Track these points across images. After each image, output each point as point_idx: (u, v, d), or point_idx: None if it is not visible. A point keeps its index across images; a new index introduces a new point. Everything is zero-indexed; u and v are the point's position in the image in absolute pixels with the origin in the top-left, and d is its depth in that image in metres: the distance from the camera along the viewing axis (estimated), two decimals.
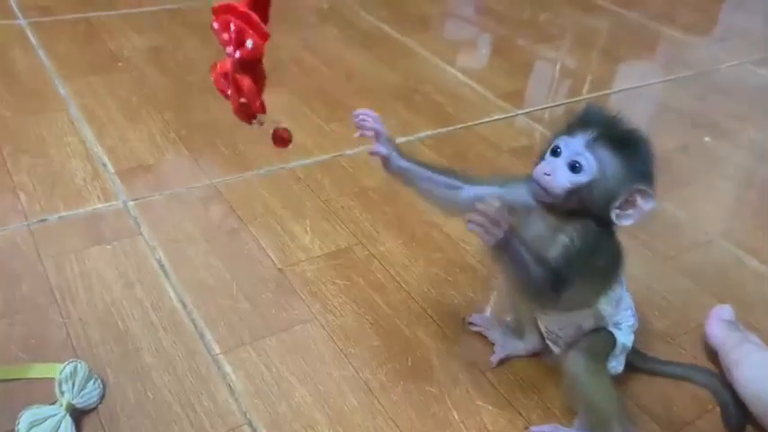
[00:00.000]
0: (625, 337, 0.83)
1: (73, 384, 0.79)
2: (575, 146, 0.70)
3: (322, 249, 1.09)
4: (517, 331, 0.94)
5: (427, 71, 1.76)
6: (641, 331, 0.88)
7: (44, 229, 1.07)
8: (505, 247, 0.68)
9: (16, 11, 1.82)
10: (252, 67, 0.56)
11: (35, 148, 1.27)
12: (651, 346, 0.96)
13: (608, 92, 1.82)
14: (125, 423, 0.79)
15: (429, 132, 1.47)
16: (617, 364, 0.84)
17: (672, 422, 0.87)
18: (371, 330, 0.95)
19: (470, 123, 1.53)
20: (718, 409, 0.88)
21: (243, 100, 0.57)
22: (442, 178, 0.80)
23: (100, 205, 1.14)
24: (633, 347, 0.85)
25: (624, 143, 0.70)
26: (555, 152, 0.71)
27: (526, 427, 0.83)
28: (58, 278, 0.98)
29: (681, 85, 1.91)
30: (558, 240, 0.71)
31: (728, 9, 2.72)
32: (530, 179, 0.72)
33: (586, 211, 0.71)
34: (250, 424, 0.81)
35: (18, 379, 0.82)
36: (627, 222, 0.71)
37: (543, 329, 0.86)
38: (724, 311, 0.97)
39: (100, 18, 1.83)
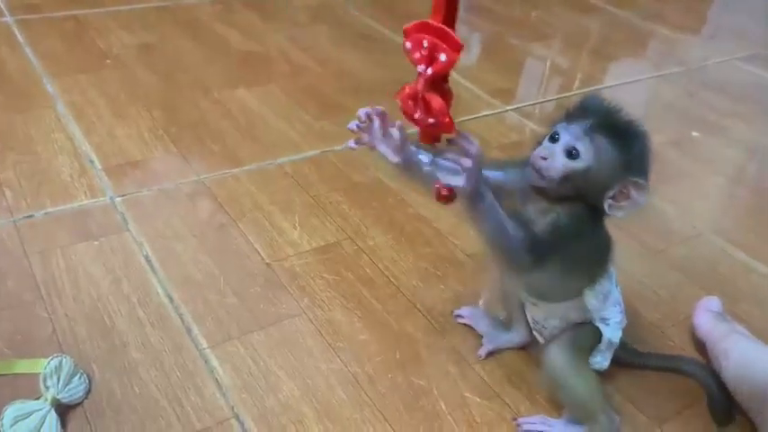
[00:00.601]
0: (612, 333, 0.82)
1: (58, 379, 0.79)
2: (573, 132, 0.70)
3: (310, 244, 1.09)
4: (505, 324, 0.94)
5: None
6: (630, 323, 0.88)
7: (30, 225, 1.07)
8: (477, 196, 0.67)
9: (3, 8, 1.81)
10: (440, 85, 0.56)
11: (21, 145, 1.26)
12: (640, 338, 0.96)
13: (598, 87, 1.82)
14: (111, 418, 0.79)
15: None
16: (602, 360, 0.83)
17: (659, 413, 0.87)
18: (360, 324, 0.95)
19: (460, 119, 1.53)
20: (705, 400, 0.89)
21: (431, 120, 0.57)
22: (446, 163, 0.79)
23: (87, 201, 1.13)
24: (621, 342, 0.85)
25: (623, 133, 0.70)
26: (553, 138, 0.71)
27: (514, 419, 0.83)
28: (44, 274, 0.97)
29: (670, 81, 1.92)
30: (547, 218, 0.71)
31: (717, 8, 2.74)
32: (526, 163, 0.72)
33: (579, 199, 0.71)
34: (237, 418, 0.80)
35: (2, 375, 0.82)
36: (619, 214, 0.71)
37: (530, 320, 0.86)
38: (711, 303, 0.97)
39: (88, 15, 1.83)
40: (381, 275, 1.04)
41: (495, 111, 1.61)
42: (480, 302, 1.00)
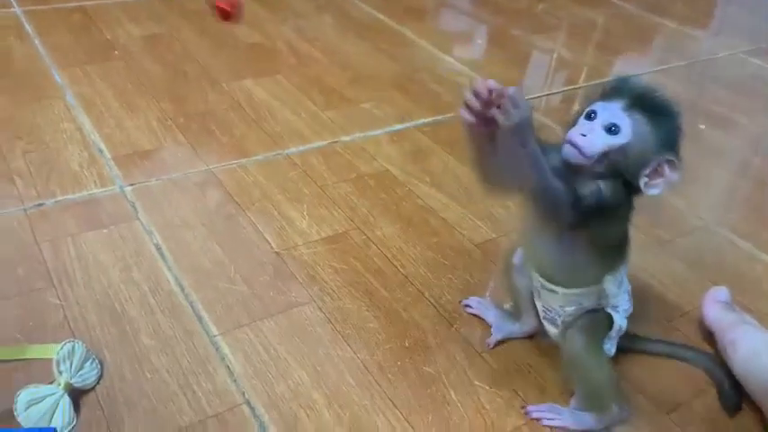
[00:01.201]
0: (621, 320, 0.83)
1: (71, 364, 0.79)
2: (612, 109, 0.70)
3: (319, 234, 1.10)
4: (514, 314, 0.94)
5: (423, 60, 1.76)
6: (636, 313, 0.88)
7: (40, 214, 1.07)
8: (523, 137, 0.64)
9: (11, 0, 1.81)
10: None
11: (31, 135, 1.27)
12: (646, 327, 0.96)
13: (604, 80, 1.82)
14: (123, 403, 0.79)
15: (426, 120, 1.47)
16: (611, 347, 0.84)
17: (667, 402, 0.87)
18: (369, 313, 0.96)
19: None
20: (713, 389, 0.89)
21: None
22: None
23: (96, 190, 1.14)
24: (626, 331, 0.86)
25: (659, 111, 0.70)
26: (589, 116, 0.71)
27: (523, 407, 0.84)
28: (55, 262, 0.98)
29: (676, 74, 1.92)
30: (586, 189, 0.71)
31: (723, 1, 2.73)
32: (562, 144, 0.72)
33: (615, 177, 0.71)
34: (248, 403, 0.81)
35: (16, 360, 0.82)
36: (654, 191, 0.71)
37: (540, 309, 0.86)
38: (720, 293, 0.97)
39: (95, 7, 1.83)
40: (389, 265, 1.05)
41: None
42: (487, 293, 1.00)
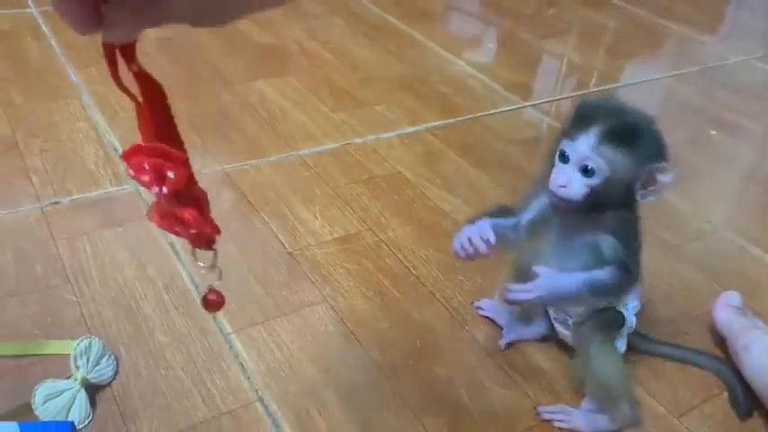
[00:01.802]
0: (631, 317, 0.84)
1: (87, 359, 0.80)
2: (580, 150, 0.71)
3: (332, 234, 1.10)
4: (525, 317, 0.95)
5: (433, 62, 1.77)
6: (646, 316, 0.89)
7: (57, 212, 1.08)
8: (554, 293, 0.76)
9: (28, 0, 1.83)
10: (186, 195, 0.51)
11: (47, 134, 1.28)
12: (656, 331, 0.96)
13: (615, 86, 1.82)
14: (138, 399, 0.80)
15: (436, 123, 1.48)
16: (621, 345, 0.85)
17: (678, 405, 0.87)
18: (381, 313, 0.96)
19: (478, 114, 1.54)
20: (724, 393, 0.89)
21: (193, 231, 0.53)
22: (508, 222, 0.82)
23: (112, 189, 1.15)
24: (635, 330, 0.86)
25: (630, 137, 0.70)
26: (563, 157, 0.72)
27: (534, 408, 0.84)
28: (72, 259, 0.99)
29: (687, 79, 1.92)
30: (603, 240, 0.74)
31: (734, 7, 2.73)
32: (546, 189, 0.74)
33: (609, 202, 0.73)
34: (262, 401, 0.82)
35: (33, 355, 0.84)
36: (654, 198, 0.72)
37: (551, 312, 0.87)
38: (732, 298, 0.97)
39: None
40: (401, 266, 1.06)
41: (513, 106, 1.61)
42: (496, 296, 1.01)
